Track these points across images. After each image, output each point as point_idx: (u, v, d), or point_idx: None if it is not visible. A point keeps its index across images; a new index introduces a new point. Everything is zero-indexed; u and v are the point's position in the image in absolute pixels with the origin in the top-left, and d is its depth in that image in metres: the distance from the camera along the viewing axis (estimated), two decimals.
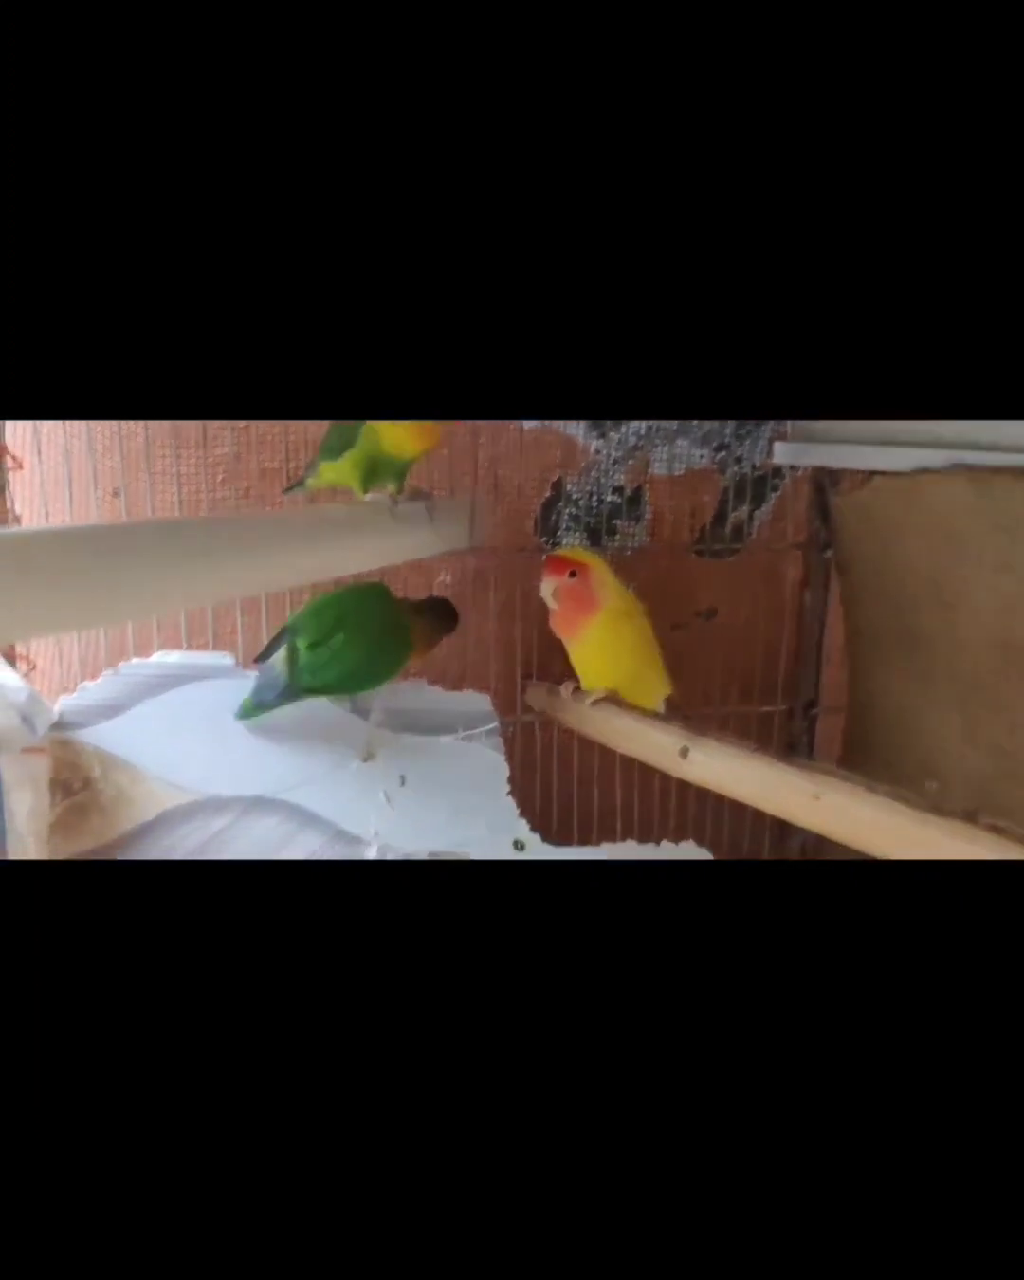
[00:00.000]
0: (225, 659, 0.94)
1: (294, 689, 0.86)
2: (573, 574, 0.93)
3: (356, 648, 0.86)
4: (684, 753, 0.84)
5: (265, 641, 0.93)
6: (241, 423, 0.98)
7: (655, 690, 0.98)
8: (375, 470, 0.83)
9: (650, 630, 0.97)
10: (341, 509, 0.83)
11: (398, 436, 0.80)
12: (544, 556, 0.94)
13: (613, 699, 0.96)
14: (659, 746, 0.88)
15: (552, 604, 0.94)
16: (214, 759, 0.89)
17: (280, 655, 0.86)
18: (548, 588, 0.94)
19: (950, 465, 0.87)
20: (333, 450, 0.84)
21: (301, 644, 0.85)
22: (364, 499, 0.83)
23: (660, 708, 0.97)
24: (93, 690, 0.90)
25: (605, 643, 0.95)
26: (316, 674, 0.85)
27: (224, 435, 0.98)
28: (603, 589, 0.94)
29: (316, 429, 0.95)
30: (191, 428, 0.96)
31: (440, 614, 0.95)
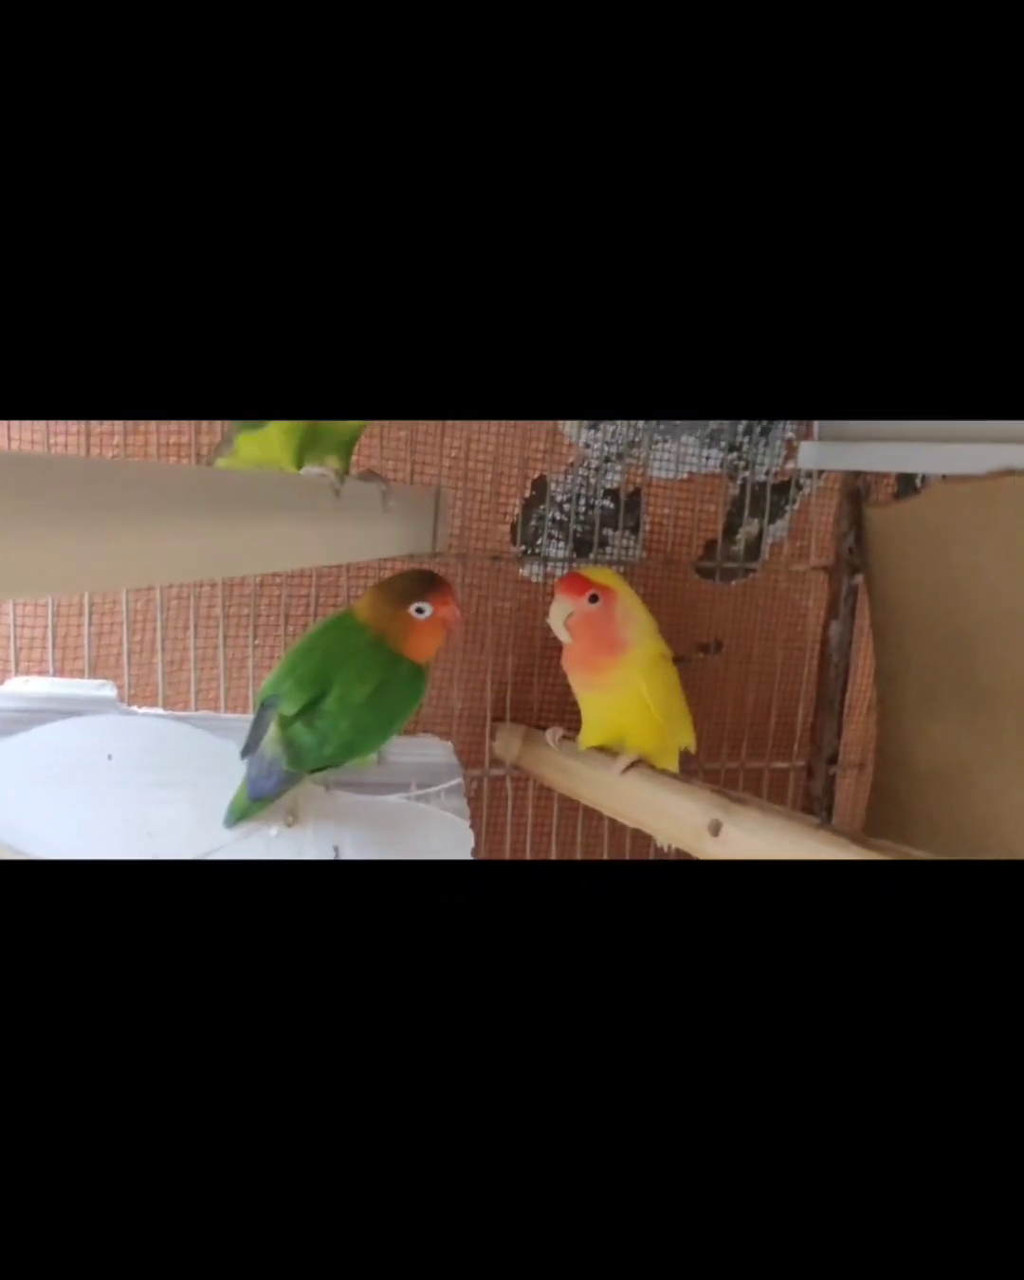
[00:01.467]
0: (105, 689, 0.77)
1: (295, 775, 0.70)
2: (595, 598, 0.73)
3: (353, 700, 0.70)
4: (715, 828, 0.65)
5: (157, 667, 0.79)
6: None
7: (675, 750, 0.78)
8: (313, 440, 0.63)
9: (676, 676, 0.79)
10: (275, 477, 0.61)
11: None
12: (556, 576, 0.72)
13: (610, 750, 0.78)
14: (677, 817, 0.70)
15: (564, 636, 0.75)
16: (87, 821, 0.73)
17: (270, 735, 0.70)
18: (560, 614, 0.74)
19: None
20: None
21: (287, 712, 0.69)
22: (299, 474, 0.62)
23: (675, 765, 0.78)
24: None
25: (634, 695, 0.75)
26: (318, 747, 0.70)
27: None
28: (631, 623, 0.75)
29: None
30: None
31: (414, 591, 0.72)
